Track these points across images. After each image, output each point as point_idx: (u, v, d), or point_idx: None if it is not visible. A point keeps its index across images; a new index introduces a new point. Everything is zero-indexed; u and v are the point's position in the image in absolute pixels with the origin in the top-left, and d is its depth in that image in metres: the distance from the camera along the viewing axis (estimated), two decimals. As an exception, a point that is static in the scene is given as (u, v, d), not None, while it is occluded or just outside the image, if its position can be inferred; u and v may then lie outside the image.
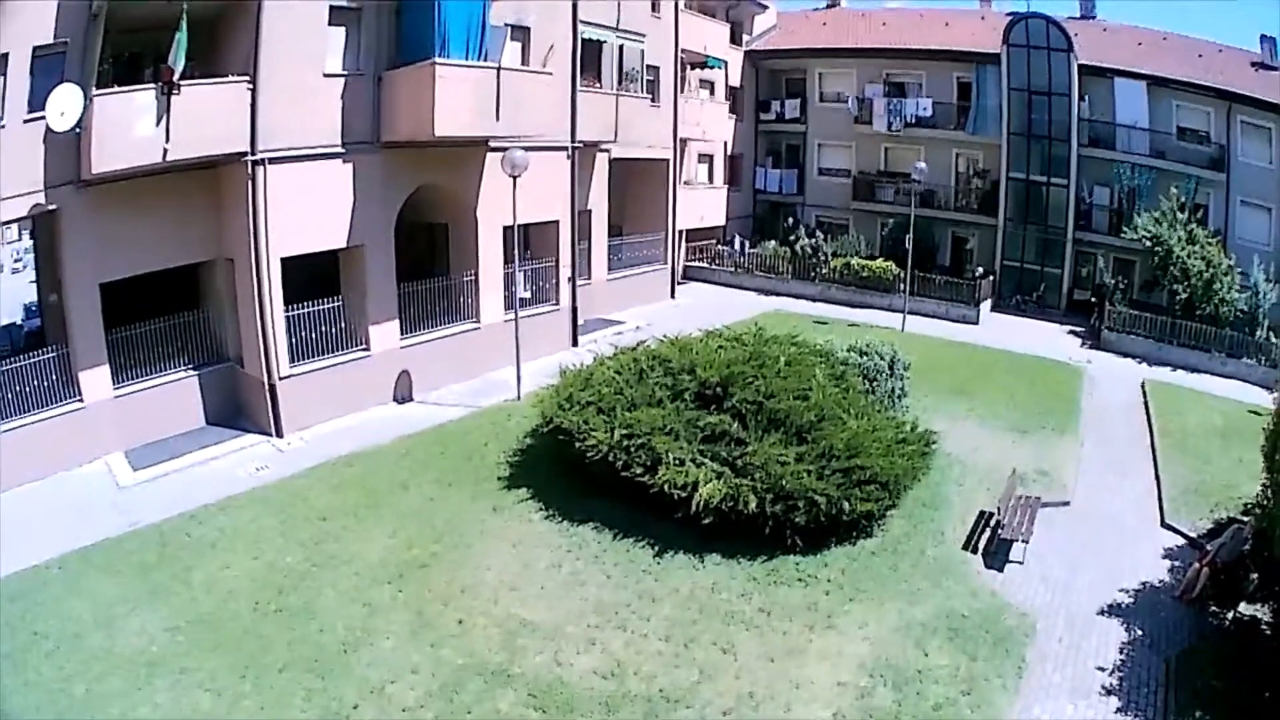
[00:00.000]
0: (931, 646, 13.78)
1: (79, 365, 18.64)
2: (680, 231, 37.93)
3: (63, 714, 11.72)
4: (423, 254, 25.31)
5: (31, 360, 18.18)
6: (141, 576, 14.89)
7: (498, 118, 21.70)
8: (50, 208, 17.60)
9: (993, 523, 17.44)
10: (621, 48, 30.15)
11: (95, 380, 18.92)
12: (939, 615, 14.59)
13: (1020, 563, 16.47)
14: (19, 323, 26.48)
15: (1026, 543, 16.66)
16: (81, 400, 18.76)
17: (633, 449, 16.58)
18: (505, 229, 23.74)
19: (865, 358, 21.11)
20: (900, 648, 13.73)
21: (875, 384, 20.53)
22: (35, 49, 16.76)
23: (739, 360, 18.27)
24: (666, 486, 15.94)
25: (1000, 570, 16.27)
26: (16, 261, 40.25)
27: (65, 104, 16.51)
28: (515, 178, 21.66)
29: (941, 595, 15.21)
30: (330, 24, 20.35)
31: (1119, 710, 12.81)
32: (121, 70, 18.24)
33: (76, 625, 13.49)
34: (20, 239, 36.06)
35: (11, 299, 28.15)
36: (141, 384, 19.82)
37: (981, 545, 16.95)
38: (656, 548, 16.07)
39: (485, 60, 21.58)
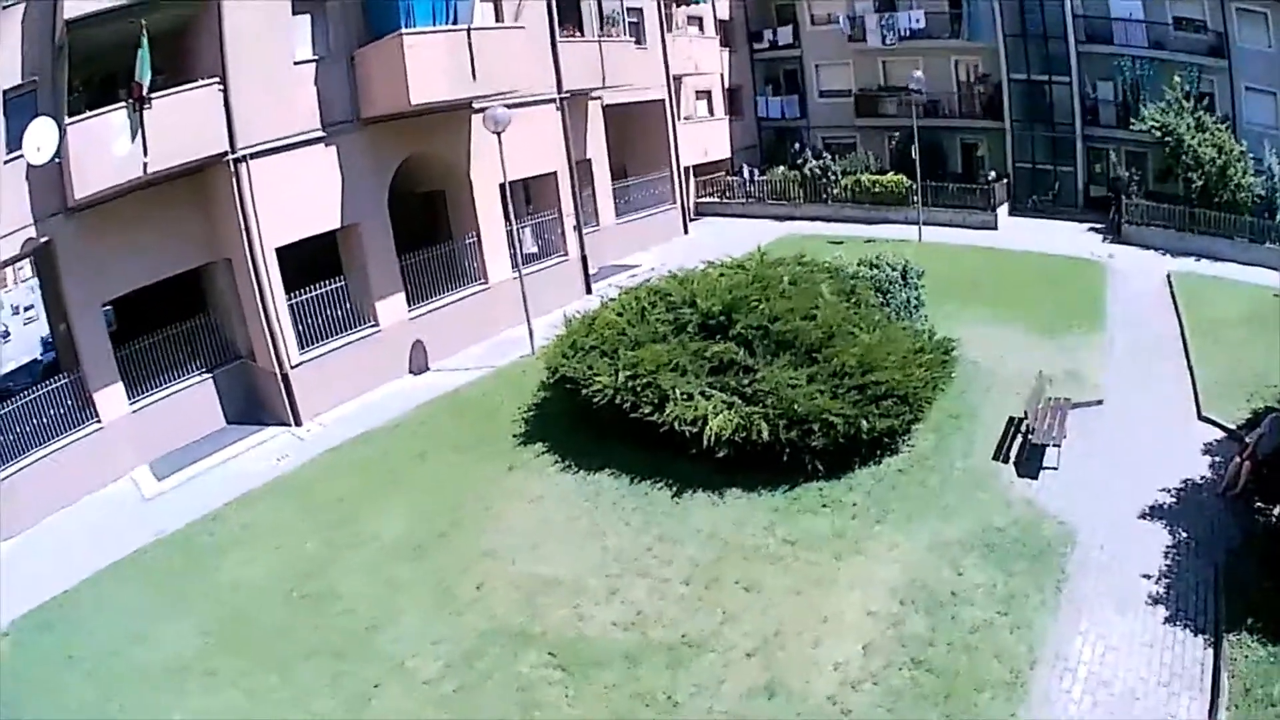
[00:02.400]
0: (966, 565, 13.32)
1: (93, 387, 18.66)
2: (687, 168, 37.48)
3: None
4: (423, 223, 25.01)
5: (45, 390, 18.20)
6: (167, 584, 14.89)
7: (474, 79, 21.27)
8: (42, 240, 17.57)
9: (1023, 428, 16.88)
10: (598, -7, 29.54)
11: (111, 399, 18.95)
12: (972, 531, 14.11)
13: (1055, 468, 15.87)
14: (38, 358, 26.98)
15: (1059, 447, 16.04)
16: (99, 421, 18.78)
17: (639, 388, 16.20)
18: (501, 187, 23.40)
19: (876, 270, 20.55)
20: (933, 569, 13.28)
21: (889, 296, 19.97)
22: (6, 91, 16.69)
23: (741, 286, 17.77)
24: (676, 423, 15.57)
25: (1034, 478, 15.69)
26: (28, 310, 40.77)
27: (40, 138, 16.42)
28: (499, 134, 21.30)
29: (974, 509, 14.73)
30: (294, 13, 20.07)
31: (1168, 620, 12.21)
32: (95, 93, 18.11)
33: (108, 643, 13.45)
34: (33, 277, 36.52)
35: (32, 339, 28.63)
36: (157, 395, 19.85)
37: (1013, 453, 16.42)
38: (675, 488, 15.73)
39: (455, 24, 21.18)
